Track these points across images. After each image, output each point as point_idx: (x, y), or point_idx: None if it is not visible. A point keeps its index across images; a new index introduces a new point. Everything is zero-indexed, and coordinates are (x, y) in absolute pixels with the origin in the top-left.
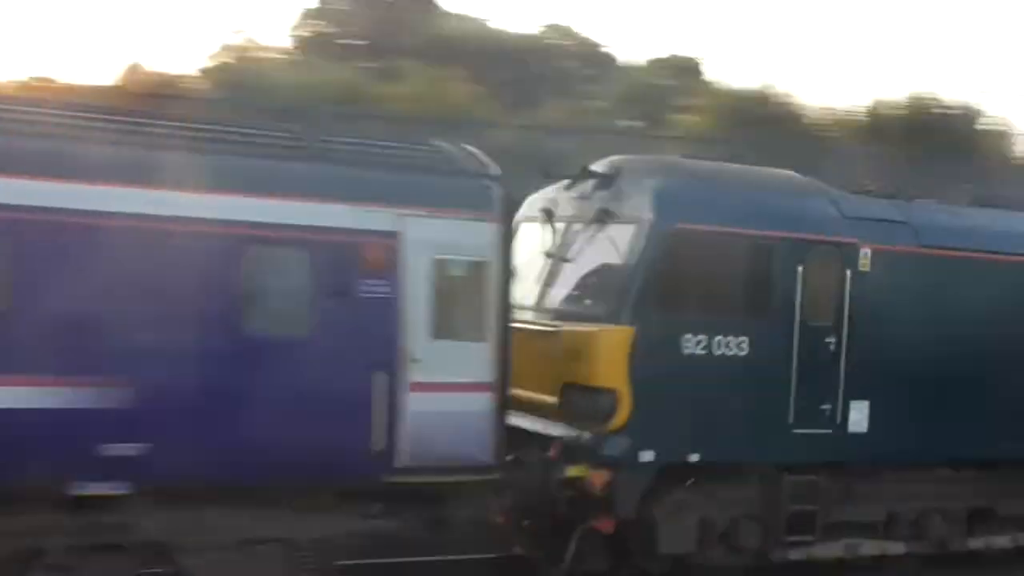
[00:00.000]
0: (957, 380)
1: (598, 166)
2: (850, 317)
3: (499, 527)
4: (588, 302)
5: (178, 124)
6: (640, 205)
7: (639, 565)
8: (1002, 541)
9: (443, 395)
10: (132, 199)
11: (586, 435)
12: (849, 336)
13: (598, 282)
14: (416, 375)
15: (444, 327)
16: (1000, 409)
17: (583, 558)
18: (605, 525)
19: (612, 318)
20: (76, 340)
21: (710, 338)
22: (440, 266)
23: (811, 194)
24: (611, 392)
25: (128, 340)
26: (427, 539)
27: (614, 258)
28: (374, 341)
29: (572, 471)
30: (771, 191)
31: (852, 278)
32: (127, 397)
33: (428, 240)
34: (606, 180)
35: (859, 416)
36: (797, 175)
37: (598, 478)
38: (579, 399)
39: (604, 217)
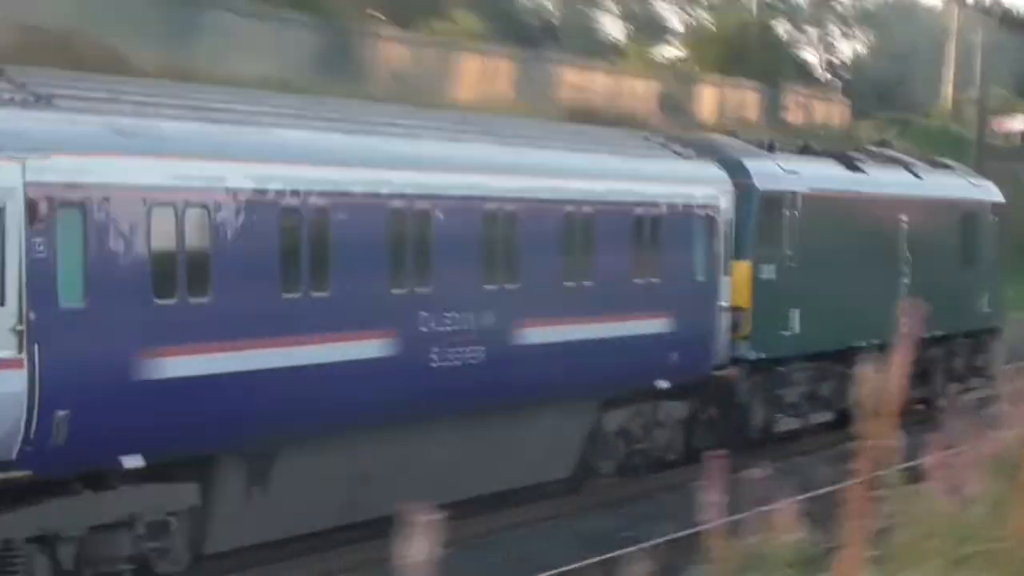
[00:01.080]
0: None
1: None
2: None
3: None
4: None
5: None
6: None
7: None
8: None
9: (727, 314)
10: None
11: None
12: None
13: None
14: (720, 301)
15: (726, 269)
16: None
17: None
18: None
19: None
20: (650, 294)
21: (765, 265)
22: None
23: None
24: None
25: (668, 290)
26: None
27: None
28: (721, 280)
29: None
30: (770, 160)
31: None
32: (673, 324)
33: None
34: None
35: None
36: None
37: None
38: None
39: None
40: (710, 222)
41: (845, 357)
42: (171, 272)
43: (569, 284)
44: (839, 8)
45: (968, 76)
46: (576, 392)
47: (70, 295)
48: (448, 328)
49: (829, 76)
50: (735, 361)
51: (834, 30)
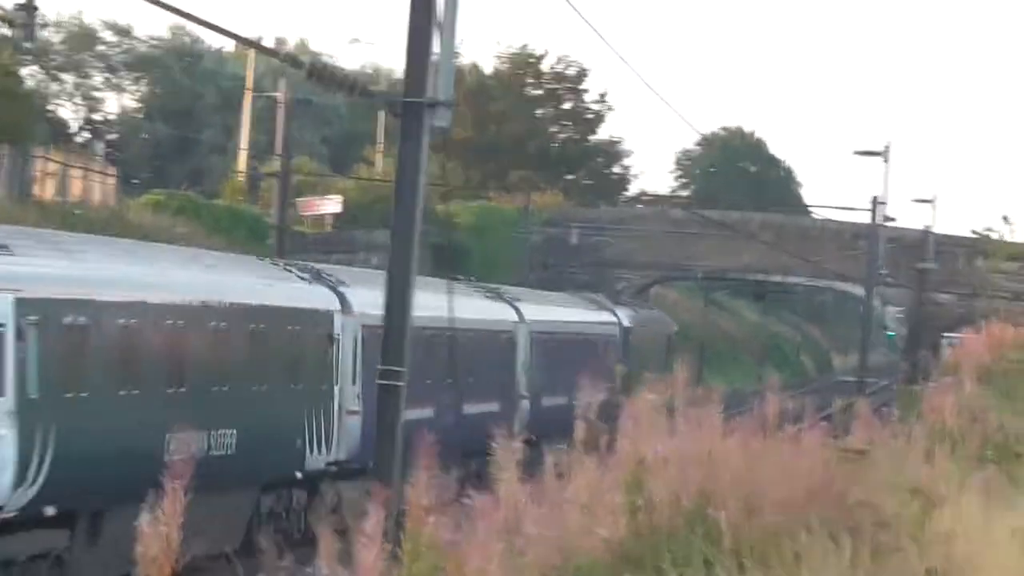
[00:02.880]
0: None
1: None
2: None
3: None
4: None
5: None
6: None
7: None
8: None
9: None
10: None
11: None
12: None
13: None
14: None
15: None
16: None
17: None
18: None
19: None
20: None
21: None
22: None
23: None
24: None
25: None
26: None
27: None
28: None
29: None
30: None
31: None
32: None
33: None
34: None
35: None
36: None
37: None
38: None
39: None
40: (613, 342)
41: None
42: None
43: None
44: (105, 51)
45: (267, 144)
46: None
47: None
48: None
49: (91, 137)
50: None
51: (98, 79)
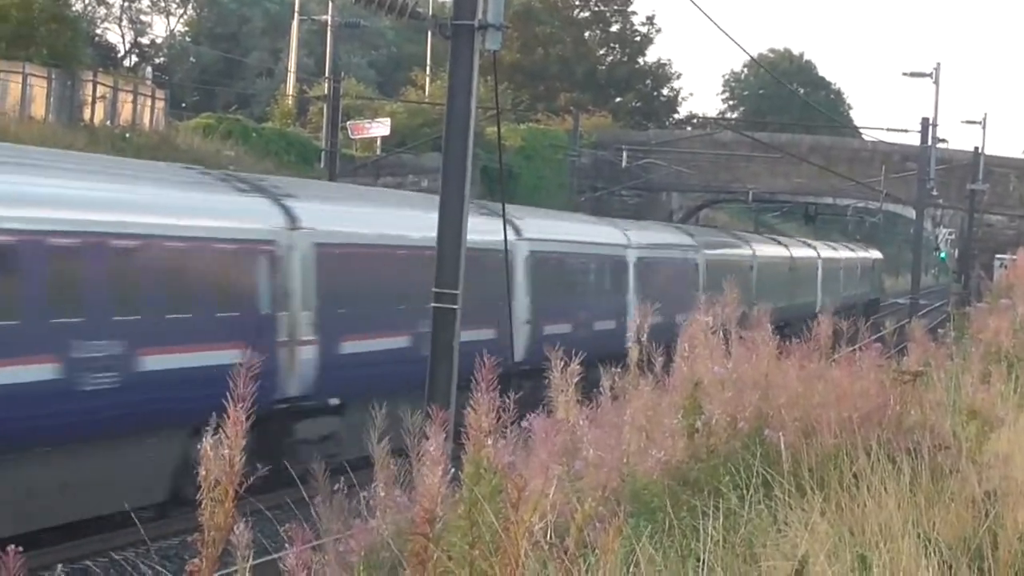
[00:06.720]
0: None
1: None
2: None
3: None
4: None
5: None
6: None
7: None
8: None
9: None
10: None
11: None
12: None
13: None
14: None
15: None
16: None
17: None
18: None
19: None
20: None
21: None
22: None
23: None
24: None
25: None
26: None
27: None
28: None
29: None
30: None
31: None
32: None
33: None
34: None
35: None
36: None
37: None
38: None
39: None
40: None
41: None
42: None
43: None
44: None
45: (315, 68)
46: None
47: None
48: None
49: (138, 61)
50: None
51: (145, 2)
